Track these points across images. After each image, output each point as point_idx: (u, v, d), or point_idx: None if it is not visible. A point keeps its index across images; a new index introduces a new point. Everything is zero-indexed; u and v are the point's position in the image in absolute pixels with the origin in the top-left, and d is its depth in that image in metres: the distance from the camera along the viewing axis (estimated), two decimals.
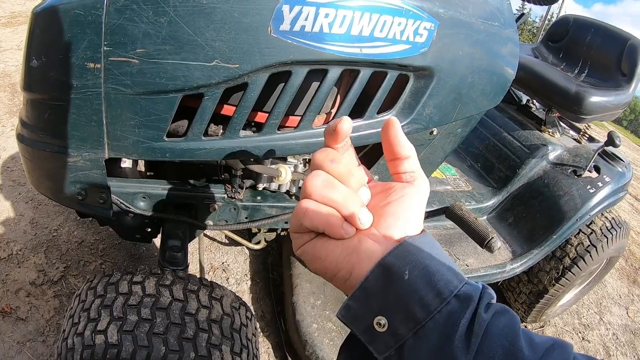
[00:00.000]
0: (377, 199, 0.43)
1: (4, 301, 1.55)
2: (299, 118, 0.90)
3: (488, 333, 0.34)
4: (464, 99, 1.09)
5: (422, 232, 0.41)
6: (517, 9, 1.78)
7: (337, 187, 0.40)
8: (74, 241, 1.89)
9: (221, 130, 0.86)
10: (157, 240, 1.84)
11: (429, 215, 1.24)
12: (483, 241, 1.13)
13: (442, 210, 1.22)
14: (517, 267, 1.50)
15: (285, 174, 0.99)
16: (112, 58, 0.72)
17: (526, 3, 1.61)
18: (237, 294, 1.10)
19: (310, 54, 0.78)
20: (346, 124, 0.41)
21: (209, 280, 0.99)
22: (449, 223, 1.48)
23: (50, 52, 0.74)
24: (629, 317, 2.67)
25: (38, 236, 1.87)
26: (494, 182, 1.74)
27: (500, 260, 1.47)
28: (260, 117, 0.88)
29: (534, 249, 1.56)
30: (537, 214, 1.62)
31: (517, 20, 1.16)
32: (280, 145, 0.90)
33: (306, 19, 0.75)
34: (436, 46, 0.92)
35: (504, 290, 2.02)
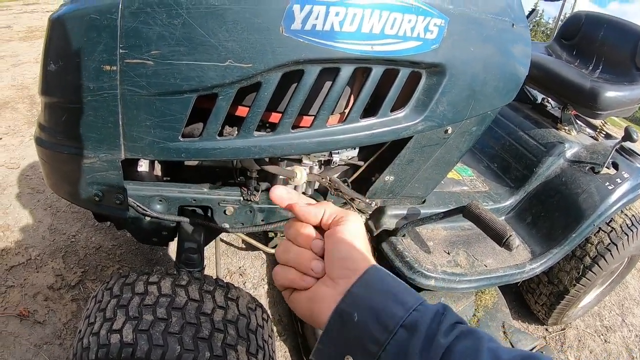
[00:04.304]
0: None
1: (21, 305, 1.58)
2: (312, 118, 0.91)
3: (447, 357, 0.37)
4: (477, 95, 1.08)
5: (370, 266, 0.45)
6: (530, 9, 1.76)
7: (290, 249, 0.49)
8: (91, 247, 1.92)
9: (235, 132, 0.87)
10: (174, 245, 1.87)
11: (446, 215, 1.22)
12: (501, 239, 1.11)
13: (458, 210, 1.21)
14: (537, 267, 1.47)
15: (300, 175, 1.00)
16: (127, 60, 0.74)
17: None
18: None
19: (321, 52, 0.79)
20: (276, 191, 0.50)
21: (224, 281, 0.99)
22: (467, 224, 1.46)
23: (67, 56, 0.76)
24: None
25: (56, 242, 1.90)
26: (511, 181, 1.71)
27: (519, 261, 1.45)
28: (274, 117, 0.89)
29: (553, 249, 1.53)
30: (555, 212, 1.59)
31: (527, 17, 1.15)
32: (295, 144, 0.90)
33: (317, 18, 0.76)
34: (447, 42, 0.92)
35: (524, 293, 1.98)
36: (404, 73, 0.93)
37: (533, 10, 1.75)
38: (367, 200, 1.13)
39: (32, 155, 2.63)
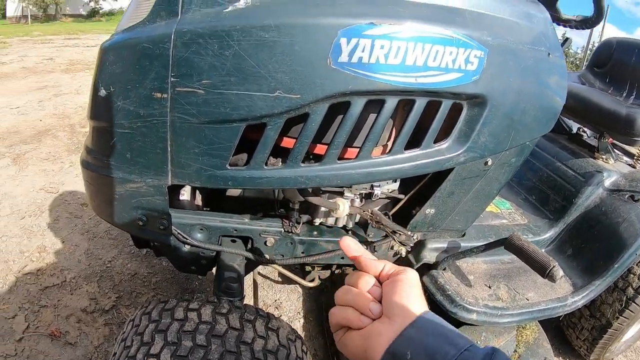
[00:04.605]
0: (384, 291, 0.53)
1: (54, 325, 1.61)
2: (357, 150, 0.91)
3: None
4: (517, 125, 1.07)
5: (425, 311, 0.50)
6: (560, 38, 1.77)
7: (351, 291, 0.54)
8: (127, 273, 1.94)
9: (280, 163, 0.88)
10: (210, 275, 1.87)
11: (487, 247, 1.20)
12: (545, 270, 1.08)
13: (500, 242, 1.18)
14: (579, 299, 1.41)
15: (343, 207, 1.00)
16: (178, 88, 0.76)
17: (567, 29, 1.60)
18: None
19: (368, 84, 0.80)
20: (345, 241, 0.58)
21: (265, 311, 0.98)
22: (506, 257, 1.45)
23: (119, 83, 0.79)
24: None
25: (92, 266, 1.94)
26: (550, 213, 1.67)
27: (561, 294, 1.40)
28: (319, 149, 0.90)
29: (595, 280, 1.48)
30: (596, 243, 1.54)
31: (561, 45, 1.15)
32: (341, 174, 0.90)
33: (363, 51, 0.78)
34: (487, 73, 0.92)
35: (565, 328, 1.89)
36: (446, 105, 0.94)
37: (566, 39, 1.75)
38: (409, 233, 1.11)
39: (71, 181, 2.73)
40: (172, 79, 0.76)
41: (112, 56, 0.80)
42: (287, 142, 0.87)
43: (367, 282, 0.54)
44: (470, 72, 0.91)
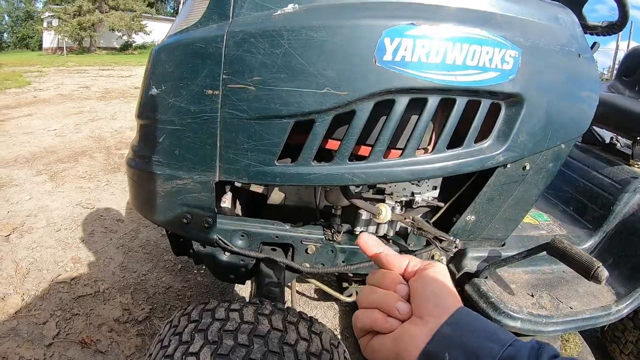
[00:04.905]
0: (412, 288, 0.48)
1: (85, 333, 1.62)
2: (400, 151, 0.93)
3: None
4: (553, 125, 1.08)
5: (460, 307, 0.45)
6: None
7: (376, 291, 0.49)
8: (161, 286, 1.96)
9: (325, 163, 0.90)
10: (246, 288, 1.87)
11: (529, 254, 1.18)
12: (589, 271, 1.05)
13: (542, 247, 1.16)
14: (623, 308, 1.37)
15: (385, 212, 1.00)
16: (230, 85, 0.80)
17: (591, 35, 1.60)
18: None
19: (410, 82, 0.82)
20: (363, 237, 0.53)
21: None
22: (547, 267, 1.43)
23: (170, 81, 0.84)
24: None
25: (126, 278, 1.97)
26: (588, 223, 1.64)
27: (604, 303, 1.36)
28: (364, 150, 0.91)
29: (638, 288, 1.42)
30: (637, 250, 1.50)
31: (590, 49, 1.16)
32: (387, 172, 0.91)
33: (405, 50, 0.81)
34: (523, 73, 0.94)
35: (608, 343, 1.81)
36: (485, 104, 0.95)
37: (594, 43, 1.76)
38: (451, 238, 1.11)
39: (107, 198, 2.82)
40: (224, 76, 0.80)
41: (165, 56, 0.85)
42: (332, 144, 0.89)
43: (392, 280, 0.49)
44: (506, 71, 0.93)
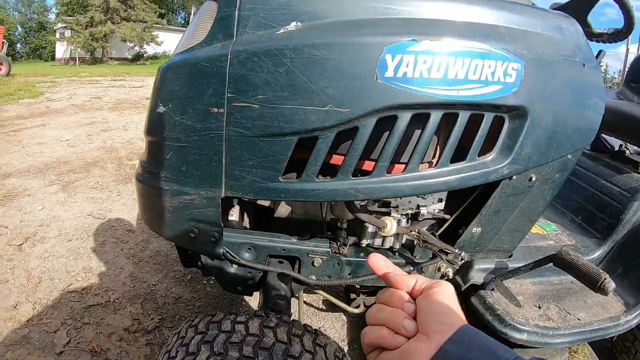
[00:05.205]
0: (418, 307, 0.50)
1: (95, 342, 1.65)
2: (404, 166, 0.93)
3: None
4: (558, 136, 1.08)
5: (464, 324, 0.47)
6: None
7: (384, 309, 0.52)
8: (171, 296, 1.98)
9: (329, 178, 0.91)
10: (254, 300, 1.88)
11: (535, 265, 1.17)
12: (596, 283, 1.05)
13: (548, 259, 1.15)
14: (632, 318, 1.34)
15: (390, 225, 1.00)
16: (234, 103, 0.81)
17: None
18: None
19: (413, 98, 0.83)
20: (373, 258, 0.56)
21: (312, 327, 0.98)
22: (555, 278, 1.42)
23: (177, 99, 0.86)
24: None
25: (136, 288, 2.00)
26: (597, 232, 1.62)
27: (613, 313, 1.34)
28: (367, 165, 0.92)
29: None
30: None
31: (595, 57, 1.16)
32: (390, 187, 0.92)
33: (407, 66, 0.82)
34: (526, 85, 0.94)
35: (618, 354, 1.78)
36: (488, 117, 0.96)
37: (600, 52, 1.75)
38: (457, 251, 1.11)
39: (118, 209, 2.86)
40: (228, 95, 0.81)
41: (171, 75, 0.87)
42: (336, 159, 0.91)
43: (399, 299, 0.51)
44: (509, 84, 0.93)
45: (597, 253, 1.54)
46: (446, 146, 0.95)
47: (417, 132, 0.92)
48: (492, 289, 1.27)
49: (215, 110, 0.83)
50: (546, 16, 1.06)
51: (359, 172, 0.94)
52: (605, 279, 1.05)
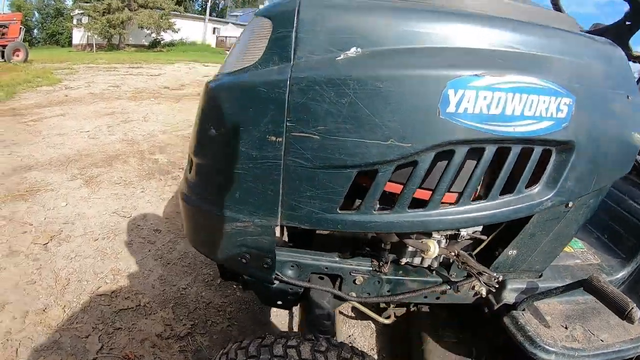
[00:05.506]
0: None
1: (128, 348, 1.66)
2: (457, 195, 0.94)
3: None
4: (599, 169, 1.09)
5: None
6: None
7: None
8: (201, 301, 2.00)
9: (380, 205, 0.92)
10: (282, 312, 1.88)
11: (566, 289, 1.20)
12: (623, 312, 1.08)
13: (579, 284, 1.19)
14: None
15: (434, 248, 1.02)
16: (294, 133, 0.81)
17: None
18: None
19: (472, 134, 0.84)
20: None
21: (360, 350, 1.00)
22: (580, 298, 1.45)
23: (230, 124, 0.85)
24: None
25: (166, 292, 2.02)
26: (622, 252, 1.65)
27: (634, 335, 1.38)
28: (420, 193, 0.93)
29: None
30: None
31: (637, 83, 1.16)
32: (444, 220, 0.94)
33: (468, 102, 0.82)
34: (575, 120, 0.95)
35: None
36: (537, 151, 0.97)
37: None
38: (494, 274, 1.13)
39: (143, 206, 2.88)
40: (287, 124, 0.81)
41: (224, 97, 0.87)
42: (391, 187, 0.91)
43: None
44: (560, 119, 0.94)
45: (622, 273, 1.57)
46: (497, 179, 0.95)
47: (470, 162, 0.93)
48: (524, 309, 1.29)
49: (274, 139, 0.83)
50: (595, 45, 1.06)
51: (414, 200, 0.95)
52: (632, 308, 1.08)
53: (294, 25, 0.81)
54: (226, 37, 31.53)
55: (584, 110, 0.96)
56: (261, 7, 1.02)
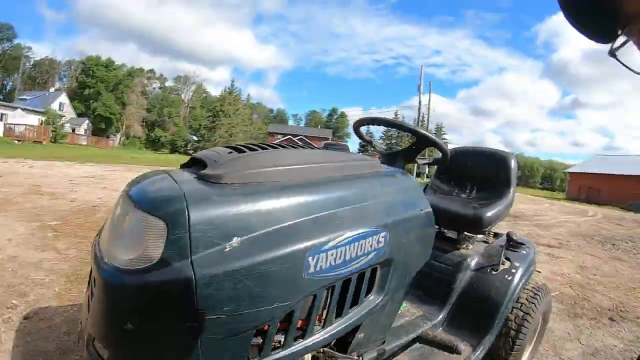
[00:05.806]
0: None
1: None
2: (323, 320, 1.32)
3: None
4: (410, 268, 1.57)
5: None
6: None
7: None
8: None
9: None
10: None
11: (405, 348, 1.65)
12: (452, 349, 1.57)
13: (414, 341, 1.66)
14: (479, 353, 1.96)
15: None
16: (207, 317, 1.00)
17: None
18: None
19: (327, 281, 1.21)
20: None
21: None
22: (418, 345, 1.93)
23: (144, 318, 1.01)
24: (581, 344, 3.23)
25: None
26: (436, 300, 2.23)
27: (465, 356, 1.89)
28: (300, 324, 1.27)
29: (485, 336, 2.05)
30: (475, 311, 2.14)
31: (426, 165, 1.72)
32: (318, 341, 1.32)
33: (321, 261, 1.19)
34: (390, 244, 1.40)
35: None
36: (368, 271, 1.40)
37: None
38: (355, 357, 1.51)
39: None
40: (199, 311, 0.98)
41: (133, 294, 0.98)
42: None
43: None
44: (381, 248, 1.38)
45: (440, 315, 2.15)
46: (346, 299, 1.36)
47: (326, 295, 1.31)
48: None
49: (189, 324, 1.00)
50: (396, 181, 1.57)
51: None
52: (456, 345, 1.60)
53: (187, 227, 0.95)
54: (14, 124, 27.66)
55: (394, 235, 1.41)
56: (134, 191, 1.13)
